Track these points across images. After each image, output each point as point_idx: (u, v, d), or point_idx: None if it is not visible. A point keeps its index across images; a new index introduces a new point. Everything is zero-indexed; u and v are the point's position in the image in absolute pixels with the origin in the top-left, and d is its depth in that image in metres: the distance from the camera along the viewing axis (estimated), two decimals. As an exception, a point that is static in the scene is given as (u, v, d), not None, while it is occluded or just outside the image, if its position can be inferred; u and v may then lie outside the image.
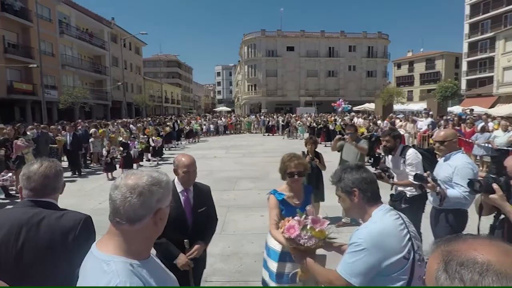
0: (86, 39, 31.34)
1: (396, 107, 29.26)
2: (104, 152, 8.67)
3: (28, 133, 9.10)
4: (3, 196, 7.02)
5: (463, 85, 38.70)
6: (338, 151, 5.77)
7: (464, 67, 40.36)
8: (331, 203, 6.21)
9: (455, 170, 2.58)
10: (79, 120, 15.48)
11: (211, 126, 23.73)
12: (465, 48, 39.99)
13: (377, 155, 8.82)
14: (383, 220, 1.40)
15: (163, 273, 1.05)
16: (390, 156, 3.50)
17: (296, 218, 1.73)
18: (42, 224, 1.42)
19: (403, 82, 51.50)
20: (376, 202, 1.49)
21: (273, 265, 2.34)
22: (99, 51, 33.62)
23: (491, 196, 1.81)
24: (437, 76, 46.38)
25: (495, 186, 1.79)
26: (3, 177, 6.49)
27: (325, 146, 16.08)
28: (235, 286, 3.33)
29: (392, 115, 18.74)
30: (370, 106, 31.59)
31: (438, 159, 2.97)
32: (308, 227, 1.66)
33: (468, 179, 2.07)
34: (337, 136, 5.69)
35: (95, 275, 0.90)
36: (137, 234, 0.95)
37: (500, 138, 8.00)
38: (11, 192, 7.33)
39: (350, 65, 48.22)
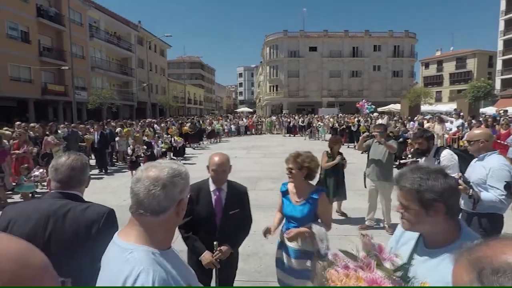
0: (114, 42, 32.61)
1: (424, 108, 28.15)
2: (129, 151, 8.93)
3: (59, 131, 9.58)
4: (37, 190, 7.37)
5: (498, 85, 36.62)
6: (364, 151, 5.61)
7: (499, 66, 38.21)
8: (352, 205, 6.07)
9: (489, 172, 2.40)
10: (108, 120, 16.09)
11: (232, 126, 23.90)
12: (500, 46, 37.87)
13: (403, 158, 8.48)
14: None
15: (182, 265, 1.04)
16: (423, 158, 3.34)
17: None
18: (67, 216, 1.46)
19: (431, 82, 49.51)
20: (457, 220, 1.17)
21: (292, 262, 2.35)
22: (126, 53, 34.89)
23: None
24: (469, 75, 44.20)
25: None
26: (34, 173, 6.84)
27: (348, 147, 15.74)
28: (254, 286, 3.30)
29: (419, 116, 18.04)
30: (396, 107, 30.63)
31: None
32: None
33: (505, 181, 1.91)
34: (364, 134, 5.51)
35: (119, 263, 0.91)
36: (160, 225, 0.97)
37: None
38: (41, 189, 7.68)
39: (374, 65, 46.97)
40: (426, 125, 12.98)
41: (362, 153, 13.46)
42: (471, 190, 2.36)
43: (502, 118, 12.25)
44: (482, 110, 22.77)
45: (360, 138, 5.52)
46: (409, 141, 9.24)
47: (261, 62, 59.44)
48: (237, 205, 2.29)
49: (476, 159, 2.62)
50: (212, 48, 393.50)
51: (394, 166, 5.19)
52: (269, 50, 47.92)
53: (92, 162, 10.66)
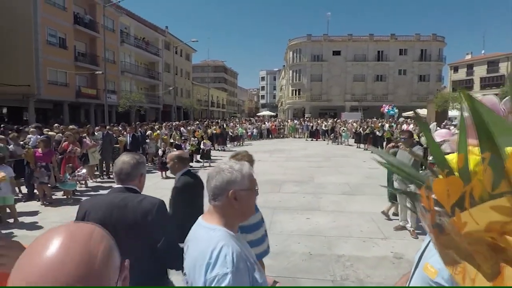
0: (143, 47, 34.00)
1: (452, 113, 27.20)
2: (160, 152, 9.42)
3: (96, 133, 10.25)
4: (76, 188, 7.91)
5: (533, 90, 34.68)
6: None
7: (535, 70, 36.22)
8: (378, 209, 6.16)
9: None
10: (144, 122, 16.97)
11: (255, 130, 24.20)
12: (536, 49, 35.89)
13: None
14: None
15: (248, 246, 1.31)
16: None
17: None
18: (128, 206, 1.76)
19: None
20: None
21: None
22: (154, 58, 36.23)
23: None
24: (501, 80, 42.17)
25: None
26: (78, 173, 7.41)
27: (372, 152, 15.62)
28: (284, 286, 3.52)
29: (447, 121, 17.55)
30: (422, 111, 29.77)
31: None
32: None
33: None
34: (390, 144, 5.67)
35: (206, 239, 1.20)
36: (224, 209, 1.26)
37: None
38: (80, 188, 8.24)
39: (400, 69, 45.86)
40: (452, 130, 12.67)
41: (386, 159, 13.32)
42: None
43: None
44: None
45: (386, 147, 5.67)
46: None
47: (284, 66, 59.63)
48: None
49: None
50: (236, 51, 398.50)
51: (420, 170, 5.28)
52: (292, 54, 48.04)
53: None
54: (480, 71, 46.21)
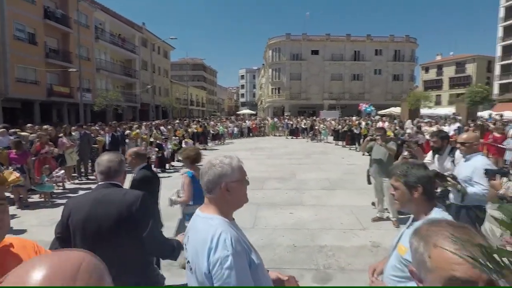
0: (119, 44, 32.98)
1: (423, 111, 28.55)
2: (141, 151, 9.28)
3: (73, 133, 9.94)
4: (53, 191, 7.53)
5: (496, 90, 37.06)
6: (368, 152, 6.10)
7: (497, 71, 38.68)
8: (355, 202, 6.46)
9: (474, 170, 2.81)
10: (122, 122, 16.56)
11: (235, 128, 24.24)
12: (498, 52, 38.38)
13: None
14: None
15: (243, 233, 1.43)
16: (436, 156, 3.74)
17: None
18: (112, 200, 1.84)
19: (431, 86, 49.95)
20: (433, 201, 1.57)
21: None
22: (130, 55, 35.26)
23: None
24: (468, 80, 44.65)
25: None
26: (57, 174, 7.19)
27: (350, 149, 16.13)
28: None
29: (418, 119, 18.44)
30: (396, 110, 31.01)
31: (460, 160, 3.21)
32: None
33: (484, 169, 2.28)
34: (368, 138, 5.99)
35: (205, 228, 1.31)
36: (217, 201, 1.38)
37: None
38: (57, 190, 7.99)
39: (376, 68, 47.43)
40: (423, 128, 13.42)
41: (363, 154, 13.87)
42: (459, 185, 2.76)
43: (496, 122, 12.65)
44: (479, 114, 23.17)
45: (364, 141, 6.00)
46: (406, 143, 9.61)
47: (263, 64, 59.90)
48: None
49: (464, 159, 3.03)
50: (215, 49, 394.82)
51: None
52: (271, 53, 48.38)
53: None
54: (449, 72, 48.70)
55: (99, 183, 2.01)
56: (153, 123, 18.20)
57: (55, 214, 5.44)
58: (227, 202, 1.38)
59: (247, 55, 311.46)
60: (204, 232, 1.29)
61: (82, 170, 9.77)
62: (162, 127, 15.92)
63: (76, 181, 9.31)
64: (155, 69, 40.81)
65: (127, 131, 12.51)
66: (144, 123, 16.53)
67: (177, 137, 12.68)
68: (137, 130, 13.09)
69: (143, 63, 37.97)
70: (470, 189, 2.80)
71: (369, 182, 5.67)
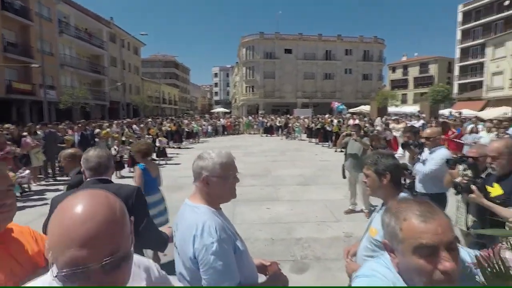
0: (85, 39, 31.49)
1: (391, 109, 29.97)
2: (114, 152, 9.02)
3: (38, 132, 9.42)
4: (18, 194, 7.06)
5: (455, 89, 39.64)
6: (343, 148, 6.38)
7: (456, 71, 41.35)
8: (329, 196, 6.72)
9: (433, 158, 3.18)
10: (91, 120, 15.85)
11: (210, 127, 24.03)
12: (457, 54, 41.00)
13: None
14: None
15: (229, 221, 1.49)
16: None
17: None
18: None
19: (398, 85, 52.40)
20: (400, 187, 1.74)
21: None
22: (98, 50, 33.75)
23: (471, 195, 2.17)
24: (431, 80, 47.34)
25: (473, 187, 2.16)
26: (21, 174, 6.80)
27: (322, 146, 16.60)
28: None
29: (386, 117, 19.34)
30: (366, 108, 32.28)
31: (423, 153, 3.50)
32: None
33: (446, 158, 2.54)
34: (344, 133, 6.26)
35: (192, 216, 1.37)
36: (203, 190, 1.43)
37: (484, 138, 8.58)
38: (26, 190, 7.61)
39: (346, 68, 48.99)
40: (391, 125, 14.14)
41: (335, 151, 14.33)
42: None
43: (455, 119, 13.58)
44: (441, 111, 24.71)
45: (340, 136, 6.27)
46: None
47: (237, 62, 59.76)
48: None
49: (429, 151, 3.30)
50: (187, 47, 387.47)
51: None
52: (245, 51, 48.40)
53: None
54: (414, 72, 51.35)
55: (87, 179, 1.97)
56: (124, 121, 17.64)
57: (22, 218, 5.19)
58: (208, 194, 1.43)
59: (220, 53, 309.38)
60: (191, 220, 1.35)
61: (50, 171, 9.31)
62: (134, 126, 15.49)
63: (43, 182, 8.85)
64: (125, 66, 39.44)
65: (97, 130, 12.04)
66: (115, 121, 15.93)
67: (150, 136, 12.39)
68: (108, 129, 12.64)
69: (112, 60, 36.54)
70: (418, 168, 3.23)
71: (344, 176, 5.88)
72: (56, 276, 0.65)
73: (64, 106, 22.98)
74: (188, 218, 1.38)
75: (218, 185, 1.41)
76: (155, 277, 1.03)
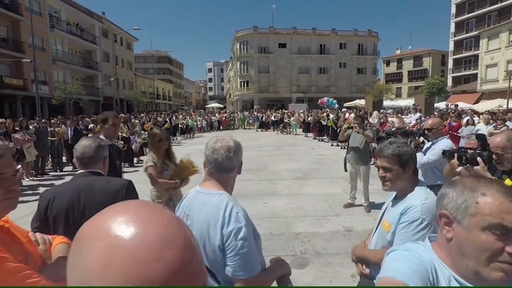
0: (77, 34, 30.97)
1: (386, 103, 30.04)
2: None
3: (30, 127, 9.24)
4: None
5: (450, 82, 39.83)
6: (345, 140, 6.29)
7: (450, 64, 41.51)
8: (327, 190, 6.69)
9: (434, 148, 3.13)
10: (84, 115, 15.64)
11: (204, 122, 23.88)
12: (451, 46, 41.10)
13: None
14: (432, 194, 1.52)
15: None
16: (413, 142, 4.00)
17: None
18: (95, 189, 1.73)
19: (392, 79, 52.52)
20: (417, 176, 1.63)
21: None
22: (90, 46, 33.25)
23: (475, 167, 2.08)
24: (425, 73, 47.48)
25: (479, 159, 2.08)
26: (13, 170, 6.65)
27: (319, 140, 16.59)
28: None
29: (382, 110, 19.36)
30: (361, 102, 32.30)
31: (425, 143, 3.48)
32: None
33: (443, 150, 2.49)
34: (345, 125, 6.18)
35: (214, 203, 1.33)
36: (229, 180, 1.46)
37: (482, 130, 8.61)
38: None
39: (340, 62, 48.88)
40: (389, 118, 14.12)
41: (332, 145, 14.32)
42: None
43: (452, 111, 13.62)
44: (436, 105, 24.83)
45: (342, 129, 6.19)
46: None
47: (231, 57, 59.29)
48: None
49: (431, 142, 3.26)
50: (180, 42, 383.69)
51: (370, 152, 5.94)
52: (239, 46, 48.01)
53: (66, 158, 10.40)
54: (408, 65, 51.46)
55: (78, 171, 1.87)
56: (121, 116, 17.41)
57: (13, 213, 5.06)
58: (228, 183, 1.47)
59: (214, 48, 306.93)
60: (213, 207, 1.33)
61: (40, 165, 9.15)
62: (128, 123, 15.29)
63: (35, 178, 8.69)
64: (118, 61, 38.83)
65: (91, 125, 11.84)
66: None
67: (145, 131, 12.24)
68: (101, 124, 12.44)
69: (104, 55, 35.98)
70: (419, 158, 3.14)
71: (346, 169, 5.77)
72: None
73: (57, 102, 22.65)
74: (209, 206, 1.34)
75: (237, 172, 1.51)
76: None
